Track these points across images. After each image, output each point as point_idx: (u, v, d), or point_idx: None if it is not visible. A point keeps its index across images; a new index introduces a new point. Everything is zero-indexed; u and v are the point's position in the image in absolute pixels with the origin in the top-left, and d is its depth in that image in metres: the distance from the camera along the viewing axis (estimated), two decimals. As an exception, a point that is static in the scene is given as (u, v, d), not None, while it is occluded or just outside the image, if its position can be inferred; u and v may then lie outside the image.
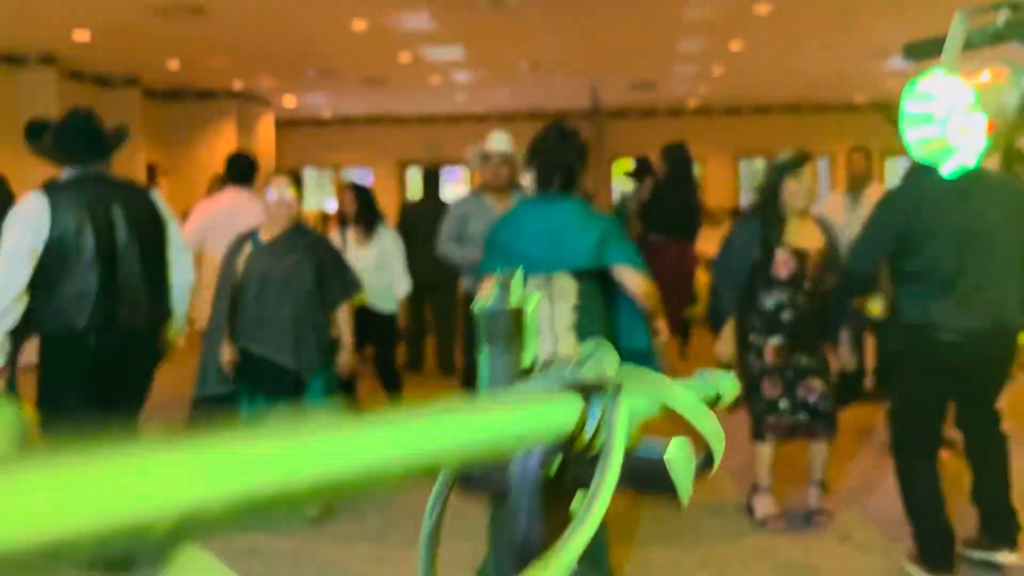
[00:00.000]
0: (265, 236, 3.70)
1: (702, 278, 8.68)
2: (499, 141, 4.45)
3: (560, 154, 2.95)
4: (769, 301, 3.50)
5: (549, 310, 2.84)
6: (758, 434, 3.62)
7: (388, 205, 9.58)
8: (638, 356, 3.02)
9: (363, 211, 5.07)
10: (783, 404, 3.53)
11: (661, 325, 3.02)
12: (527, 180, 3.13)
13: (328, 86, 13.20)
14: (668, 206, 5.39)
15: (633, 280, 2.91)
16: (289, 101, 14.82)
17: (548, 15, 8.60)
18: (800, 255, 3.49)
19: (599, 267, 2.89)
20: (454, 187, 14.68)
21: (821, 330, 3.56)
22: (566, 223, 2.90)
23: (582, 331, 2.83)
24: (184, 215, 9.27)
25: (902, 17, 9.02)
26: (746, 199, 13.75)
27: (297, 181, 3.84)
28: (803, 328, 3.53)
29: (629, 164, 8.84)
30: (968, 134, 2.19)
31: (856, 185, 5.95)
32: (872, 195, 5.90)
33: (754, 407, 3.58)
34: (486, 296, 0.52)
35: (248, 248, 3.71)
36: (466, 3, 7.95)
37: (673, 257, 5.50)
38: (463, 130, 17.12)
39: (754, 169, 16.13)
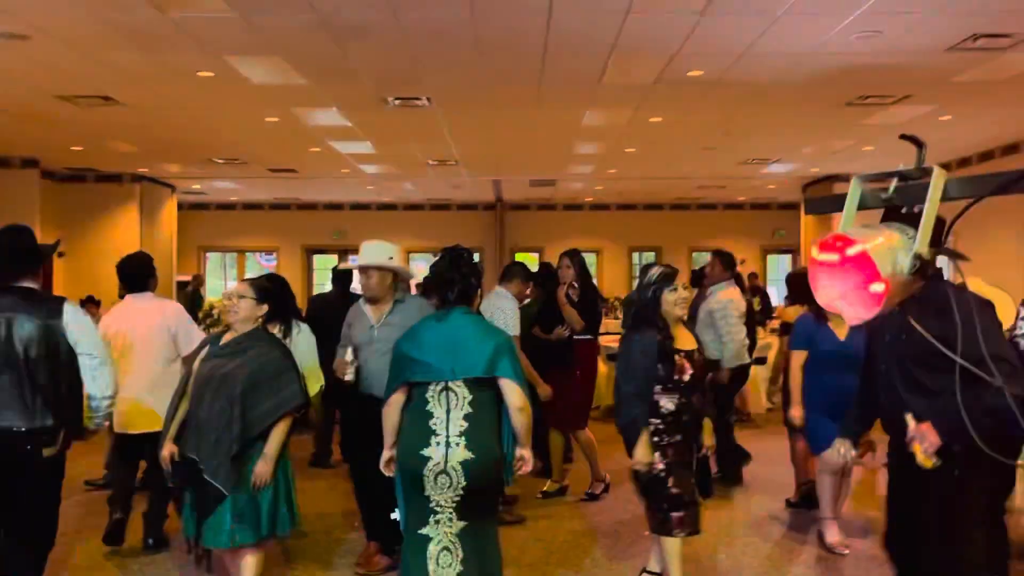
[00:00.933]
0: (225, 339, 3.67)
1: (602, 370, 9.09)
2: (366, 251, 4.29)
3: (455, 271, 3.30)
4: (671, 404, 3.71)
5: (445, 417, 3.11)
6: (666, 530, 3.71)
7: (293, 291, 9.57)
8: (509, 463, 3.26)
9: (280, 307, 4.43)
10: (687, 497, 3.71)
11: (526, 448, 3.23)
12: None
13: (236, 174, 13.26)
14: (589, 308, 5.80)
15: (515, 395, 3.15)
16: (195, 185, 14.77)
17: (454, 117, 9.05)
18: (690, 358, 3.78)
19: (491, 377, 3.14)
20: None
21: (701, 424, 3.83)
22: (464, 336, 3.18)
23: (472, 438, 3.09)
24: (82, 300, 9.09)
25: (777, 130, 9.91)
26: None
27: (264, 288, 3.70)
28: (696, 425, 3.81)
29: (533, 261, 9.23)
30: (868, 291, 2.42)
31: (711, 283, 6.34)
32: (721, 296, 6.13)
33: (662, 504, 3.70)
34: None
35: (205, 351, 3.68)
36: (375, 103, 8.32)
37: (592, 354, 5.97)
38: (371, 218, 17.37)
39: (645, 261, 16.91)
